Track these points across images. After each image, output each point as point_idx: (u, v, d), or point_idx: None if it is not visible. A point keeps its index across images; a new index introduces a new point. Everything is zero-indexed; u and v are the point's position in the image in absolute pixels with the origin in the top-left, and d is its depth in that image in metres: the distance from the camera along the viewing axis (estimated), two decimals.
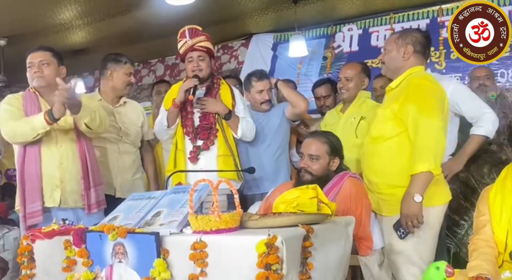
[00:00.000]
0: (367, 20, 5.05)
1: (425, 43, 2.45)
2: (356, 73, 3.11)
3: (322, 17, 5.17)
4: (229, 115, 2.88)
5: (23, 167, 2.56)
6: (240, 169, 2.90)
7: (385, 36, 4.86)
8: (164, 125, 2.90)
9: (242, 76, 4.77)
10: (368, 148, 2.46)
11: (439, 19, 4.61)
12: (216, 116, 2.89)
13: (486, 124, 2.63)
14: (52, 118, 2.44)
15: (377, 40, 4.86)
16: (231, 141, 2.89)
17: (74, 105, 2.46)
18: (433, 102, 2.26)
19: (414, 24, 4.73)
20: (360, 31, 5.08)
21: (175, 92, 2.94)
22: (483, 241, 1.99)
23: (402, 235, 2.26)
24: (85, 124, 2.56)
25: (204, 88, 2.94)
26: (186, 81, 2.88)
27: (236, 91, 3.05)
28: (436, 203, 2.31)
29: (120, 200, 2.73)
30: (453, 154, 2.75)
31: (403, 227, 2.25)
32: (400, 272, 2.32)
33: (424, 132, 2.19)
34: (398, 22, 4.86)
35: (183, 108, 2.90)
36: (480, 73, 3.62)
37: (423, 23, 4.70)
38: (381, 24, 4.96)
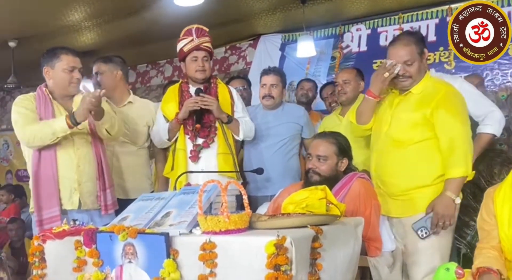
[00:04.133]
0: (376, 20, 5.03)
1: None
2: (352, 77, 3.18)
3: (331, 17, 5.16)
4: (230, 119, 2.89)
5: (38, 171, 2.53)
6: (238, 167, 2.90)
7: (393, 36, 4.82)
8: (165, 138, 2.90)
9: (251, 77, 4.79)
10: (391, 151, 2.46)
11: (448, 19, 4.57)
12: None
13: (493, 122, 2.64)
14: (74, 122, 2.45)
15: (386, 40, 4.82)
16: (230, 140, 2.89)
17: (98, 112, 2.48)
18: (464, 109, 2.40)
19: (423, 24, 4.71)
20: (369, 31, 5.06)
21: (171, 97, 2.94)
22: (487, 248, 2.01)
23: (424, 235, 2.32)
24: (106, 129, 2.58)
25: (202, 88, 2.92)
26: (191, 100, 2.82)
27: (234, 91, 3.04)
28: None
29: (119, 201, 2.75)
30: None
31: (426, 227, 2.32)
32: (419, 270, 2.37)
33: (462, 138, 2.32)
34: (407, 22, 4.84)
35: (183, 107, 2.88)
36: (471, 81, 3.60)
37: (432, 23, 4.68)
38: (389, 24, 4.93)
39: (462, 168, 2.30)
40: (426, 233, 2.32)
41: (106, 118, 2.55)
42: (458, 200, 2.32)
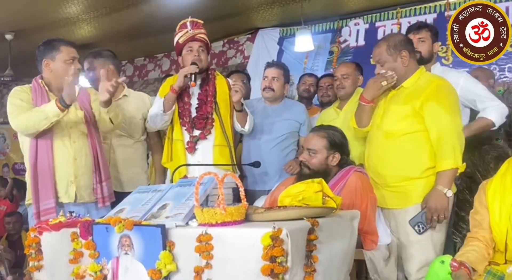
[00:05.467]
0: (374, 15, 5.02)
1: (410, 40, 2.57)
2: (351, 71, 3.18)
3: (329, 12, 5.14)
4: (244, 108, 2.90)
5: (36, 163, 2.54)
6: (235, 159, 2.90)
7: (391, 30, 4.83)
8: (160, 109, 2.84)
9: (248, 71, 4.79)
10: (382, 142, 2.49)
11: (446, 14, 4.57)
12: (214, 105, 2.88)
13: (495, 111, 2.65)
14: (64, 104, 2.44)
15: (384, 34, 4.81)
16: (228, 132, 2.88)
17: (110, 99, 2.51)
18: (455, 102, 2.40)
19: (421, 19, 4.68)
20: (367, 26, 5.05)
21: (169, 85, 2.91)
22: (475, 238, 2.05)
23: (421, 230, 2.33)
24: (110, 118, 2.59)
25: (200, 79, 2.91)
26: (186, 67, 2.83)
27: (231, 81, 3.02)
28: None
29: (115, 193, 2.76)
30: None
31: (422, 222, 2.32)
32: (412, 263, 2.38)
33: (450, 131, 2.32)
34: (405, 16, 4.83)
35: (180, 99, 2.87)
36: (476, 74, 3.60)
37: (430, 18, 4.66)
38: (387, 19, 4.93)
39: (450, 160, 2.29)
40: (423, 228, 2.33)
41: (112, 106, 2.57)
42: (450, 193, 2.31)
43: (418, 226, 2.33)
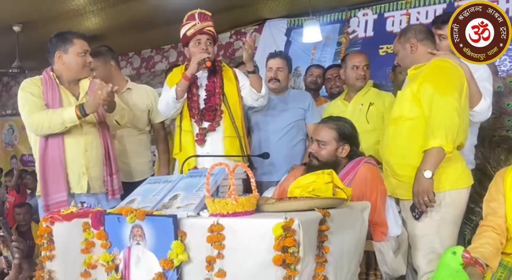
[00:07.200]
0: (383, 5, 4.97)
1: (426, 30, 2.50)
2: (368, 62, 3.15)
3: (337, 2, 5.10)
4: (256, 71, 2.86)
5: (46, 156, 2.56)
6: (245, 150, 2.89)
7: (400, 21, 4.78)
8: (172, 97, 2.81)
9: (256, 62, 4.75)
10: (389, 129, 2.46)
11: (456, 4, 4.50)
12: (222, 97, 2.87)
13: (485, 102, 2.48)
14: (83, 113, 2.48)
15: (393, 25, 4.79)
16: (238, 123, 2.87)
17: (111, 106, 2.53)
18: (449, 81, 2.27)
19: (430, 9, 4.65)
20: (375, 16, 5.00)
21: (178, 75, 2.91)
22: (489, 227, 2.02)
23: (417, 216, 2.26)
24: (116, 120, 2.64)
25: (206, 71, 2.90)
26: (199, 54, 2.81)
27: (237, 70, 3.02)
28: (458, 186, 2.33)
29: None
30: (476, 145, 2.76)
31: (418, 207, 2.25)
32: (419, 256, 2.34)
33: (437, 109, 2.21)
34: (414, 7, 4.78)
35: (189, 90, 2.86)
36: None
37: (439, 8, 4.61)
38: (396, 9, 4.87)
39: (435, 139, 2.15)
40: (418, 213, 2.26)
41: (117, 109, 2.60)
42: (428, 174, 2.15)
43: (414, 211, 2.27)
